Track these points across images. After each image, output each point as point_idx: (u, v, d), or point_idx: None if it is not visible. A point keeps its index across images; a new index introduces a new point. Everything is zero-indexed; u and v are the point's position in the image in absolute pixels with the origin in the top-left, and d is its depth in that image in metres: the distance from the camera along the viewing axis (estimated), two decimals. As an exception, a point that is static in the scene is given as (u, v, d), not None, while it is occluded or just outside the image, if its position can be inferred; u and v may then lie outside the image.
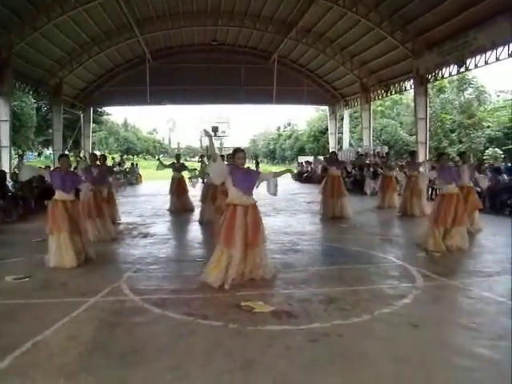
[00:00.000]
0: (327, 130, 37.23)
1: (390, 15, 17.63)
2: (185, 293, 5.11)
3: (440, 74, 17.52)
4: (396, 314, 4.46)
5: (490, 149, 27.08)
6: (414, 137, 34.30)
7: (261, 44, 25.35)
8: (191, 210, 12.55)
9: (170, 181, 12.92)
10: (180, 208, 12.60)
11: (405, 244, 8.30)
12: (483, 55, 14.69)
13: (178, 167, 12.75)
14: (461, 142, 31.73)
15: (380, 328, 4.13)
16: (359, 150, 22.75)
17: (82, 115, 26.00)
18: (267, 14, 21.38)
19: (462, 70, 16.17)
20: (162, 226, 10.32)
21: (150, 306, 4.63)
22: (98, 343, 3.77)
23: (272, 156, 62.07)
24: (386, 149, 23.63)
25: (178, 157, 13.47)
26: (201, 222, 10.37)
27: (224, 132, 34.24)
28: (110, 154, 46.82)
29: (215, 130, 33.56)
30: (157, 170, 12.78)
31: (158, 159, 13.36)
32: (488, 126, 29.58)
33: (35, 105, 31.92)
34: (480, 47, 14.49)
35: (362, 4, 17.69)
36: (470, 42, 14.79)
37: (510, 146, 26.49)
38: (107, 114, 43.07)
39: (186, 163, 13.70)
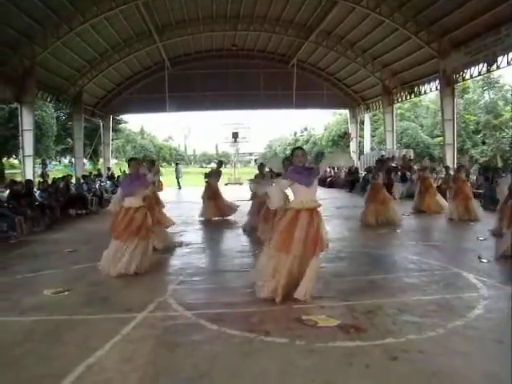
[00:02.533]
0: (346, 133, 36.90)
1: (415, 15, 17.26)
2: (238, 306, 4.77)
3: (468, 74, 17.03)
4: (471, 326, 4.11)
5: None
6: (436, 139, 34.17)
7: (280, 48, 25.15)
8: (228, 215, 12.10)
9: (205, 186, 12.32)
10: (216, 214, 12.06)
11: (453, 250, 7.90)
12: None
13: (218, 173, 12.43)
14: (484, 143, 31.06)
15: (459, 343, 3.77)
16: (383, 153, 22.27)
17: (101, 123, 25.99)
18: (287, 18, 21.16)
19: (493, 68, 15.67)
20: (194, 235, 10.02)
21: (205, 321, 4.30)
22: (159, 366, 3.45)
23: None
24: (411, 152, 23.13)
25: (220, 163, 13.16)
26: (244, 230, 9.97)
27: (244, 138, 33.91)
28: (126, 162, 47.01)
29: (235, 135, 33.24)
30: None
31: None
32: (515, 126, 28.90)
33: (55, 114, 32.07)
34: (514, 43, 14.03)
35: (385, 5, 17.34)
36: (503, 38, 14.33)
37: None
38: (124, 122, 43.18)
39: (202, 170, 13.34)
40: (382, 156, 21.20)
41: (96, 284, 5.78)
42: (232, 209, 12.11)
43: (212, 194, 12.06)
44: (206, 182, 12.31)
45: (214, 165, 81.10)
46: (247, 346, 3.74)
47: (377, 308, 4.61)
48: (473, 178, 15.41)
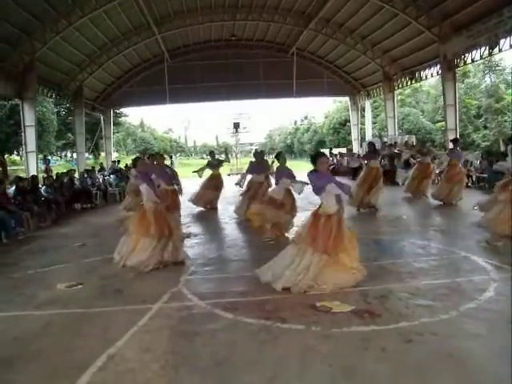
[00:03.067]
0: (347, 121, 36.83)
1: (415, 0, 17.11)
2: (252, 295, 4.82)
3: (470, 58, 16.93)
4: (483, 309, 4.17)
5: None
6: (437, 124, 34.08)
7: (279, 37, 24.98)
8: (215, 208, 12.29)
9: (209, 177, 12.42)
10: (207, 203, 12.23)
11: (459, 234, 7.95)
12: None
13: (216, 164, 12.47)
14: (486, 127, 30.96)
15: (472, 325, 3.83)
16: (385, 139, 22.21)
17: (102, 117, 25.92)
18: (286, 6, 20.99)
19: (495, 51, 15.58)
20: (200, 225, 10.08)
21: (220, 310, 4.36)
22: (178, 355, 3.52)
23: (290, 150, 61.59)
24: (413, 138, 23.08)
25: (212, 154, 13.16)
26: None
27: (245, 128, 33.85)
28: (127, 155, 47.00)
29: (237, 126, 33.14)
30: (200, 176, 12.29)
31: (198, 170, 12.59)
32: (516, 110, 28.79)
33: (55, 109, 32.04)
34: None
35: (385, -10, 17.21)
36: (505, 20, 14.19)
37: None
38: (125, 116, 43.12)
39: (203, 161, 13.31)
40: (384, 143, 21.14)
41: (108, 277, 5.83)
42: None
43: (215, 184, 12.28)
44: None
45: (217, 156, 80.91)
46: (264, 334, 3.79)
47: (388, 293, 4.67)
48: (476, 162, 15.35)
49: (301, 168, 12.87)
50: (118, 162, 21.23)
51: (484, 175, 13.86)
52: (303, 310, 4.28)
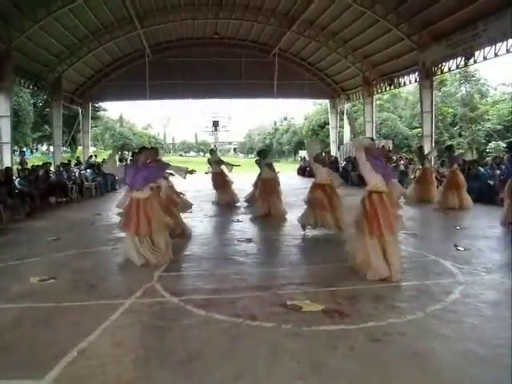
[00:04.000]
0: (326, 123, 37.14)
1: (396, 7, 17.39)
2: (225, 292, 4.88)
3: (447, 67, 17.33)
4: (449, 310, 4.32)
5: (493, 142, 27.02)
6: (414, 130, 34.68)
7: (261, 37, 25.04)
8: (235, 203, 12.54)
9: (212, 176, 12.93)
10: (227, 201, 12.52)
11: (430, 238, 8.17)
12: (493, 47, 14.51)
13: (216, 161, 12.74)
14: (461, 135, 31.69)
15: (438, 325, 3.97)
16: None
17: (80, 110, 25.53)
18: (269, 7, 21.07)
19: (471, 62, 15.98)
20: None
21: (193, 307, 4.40)
22: (150, 350, 3.54)
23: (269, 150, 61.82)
24: (390, 143, 23.48)
25: (212, 152, 13.34)
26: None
27: (225, 127, 33.84)
28: (105, 149, 46.42)
29: (216, 124, 33.11)
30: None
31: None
32: (488, 119, 29.54)
33: (32, 100, 31.41)
34: (490, 39, 14.32)
35: (367, -4, 17.45)
36: (480, 33, 14.60)
37: (511, 139, 26.42)
38: (103, 110, 42.54)
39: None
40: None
41: (81, 271, 5.81)
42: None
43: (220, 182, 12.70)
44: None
45: (193, 153, 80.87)
46: (235, 330, 3.85)
47: (358, 294, 4.78)
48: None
49: (280, 168, 13.01)
50: (95, 156, 20.98)
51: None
52: (274, 308, 4.36)
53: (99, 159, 19.44)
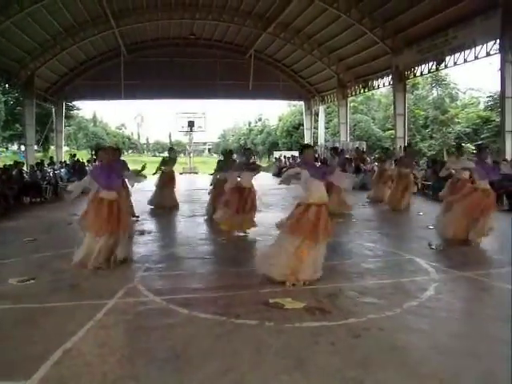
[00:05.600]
0: (300, 125, 37.50)
1: (371, 12, 17.81)
2: (207, 292, 4.95)
3: (419, 71, 17.80)
4: (424, 306, 4.49)
5: (463, 144, 27.75)
6: (387, 132, 35.33)
7: (237, 39, 25.19)
8: (175, 206, 11.95)
9: (160, 175, 11.92)
10: (166, 203, 11.76)
11: (405, 237, 8.40)
12: (462, 53, 15.02)
13: (172, 161, 12.13)
14: (432, 137, 32.47)
15: (414, 320, 4.13)
16: (337, 145, 22.86)
17: (53, 109, 25.11)
18: (246, 9, 21.25)
19: (441, 67, 16.48)
20: (154, 223, 10.07)
21: (176, 306, 4.45)
22: (135, 349, 3.58)
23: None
24: (364, 144, 23.90)
25: (171, 150, 12.85)
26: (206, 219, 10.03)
27: (200, 127, 33.70)
28: (78, 149, 45.67)
29: (191, 124, 32.98)
30: (154, 174, 11.90)
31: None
32: (458, 122, 30.38)
33: (3, 98, 30.62)
34: (460, 45, 14.82)
35: (343, 0, 17.77)
36: (450, 40, 15.10)
37: (479, 142, 27.21)
38: (77, 109, 41.82)
39: (156, 158, 12.94)
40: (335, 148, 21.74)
41: (61, 272, 5.76)
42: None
43: (166, 182, 11.88)
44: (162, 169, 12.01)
45: (167, 154, 79.74)
46: (219, 328, 3.92)
47: (338, 291, 4.92)
48: (421, 170, 16.13)
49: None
50: (74, 155, 20.59)
51: (429, 183, 14.60)
52: (256, 306, 4.45)
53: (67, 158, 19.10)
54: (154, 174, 11.70)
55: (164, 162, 12.04)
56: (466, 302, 4.68)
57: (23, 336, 3.79)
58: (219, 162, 10.15)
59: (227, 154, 10.32)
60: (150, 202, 11.83)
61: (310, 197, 5.23)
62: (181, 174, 29.26)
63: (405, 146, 14.22)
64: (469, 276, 5.58)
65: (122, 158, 10.09)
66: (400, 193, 11.66)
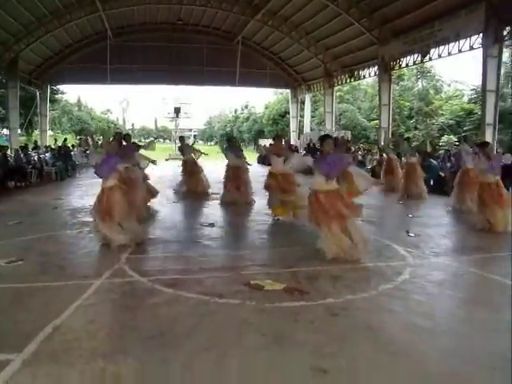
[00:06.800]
0: (286, 113, 37.61)
1: (358, 2, 17.91)
2: (191, 273, 5.11)
3: (404, 62, 18.02)
4: (398, 289, 4.72)
5: (446, 136, 28.23)
6: (372, 122, 35.66)
7: (225, 25, 25.09)
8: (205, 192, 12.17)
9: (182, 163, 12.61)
10: (193, 189, 12.18)
11: (385, 225, 8.70)
12: (447, 46, 15.24)
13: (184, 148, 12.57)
14: (416, 128, 32.86)
15: (388, 302, 4.37)
16: (322, 133, 23.05)
17: (38, 93, 24.80)
18: (234, -5, 21.16)
19: (426, 59, 16.70)
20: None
21: (161, 286, 4.61)
22: (123, 325, 3.73)
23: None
24: (349, 133, 24.13)
25: (181, 139, 13.27)
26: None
27: (186, 113, 33.64)
28: (62, 133, 45.11)
29: (178, 111, 32.89)
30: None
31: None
32: (442, 114, 30.78)
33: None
34: (445, 38, 15.03)
35: (331, -11, 17.85)
36: (435, 32, 15.31)
37: (462, 134, 27.68)
38: (62, 93, 41.27)
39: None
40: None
41: (48, 254, 5.88)
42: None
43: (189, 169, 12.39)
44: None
45: (152, 139, 79.52)
46: (203, 307, 4.10)
47: (317, 274, 5.12)
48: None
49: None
50: (66, 139, 20.37)
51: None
52: (239, 286, 4.63)
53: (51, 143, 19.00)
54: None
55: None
56: (439, 285, 4.91)
57: (13, 314, 3.91)
58: (225, 147, 10.97)
59: (232, 139, 11.64)
60: (178, 187, 12.42)
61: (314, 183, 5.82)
62: (166, 160, 29.21)
63: (407, 137, 14.61)
64: (443, 262, 5.85)
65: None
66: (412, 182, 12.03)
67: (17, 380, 2.86)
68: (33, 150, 16.96)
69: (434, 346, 3.42)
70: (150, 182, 10.23)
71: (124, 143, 8.90)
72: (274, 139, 9.60)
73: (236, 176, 10.46)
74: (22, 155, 14.30)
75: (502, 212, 7.55)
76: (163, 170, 12.75)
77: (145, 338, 3.49)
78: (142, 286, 4.67)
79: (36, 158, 15.30)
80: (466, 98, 32.28)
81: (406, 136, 17.59)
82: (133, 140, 10.37)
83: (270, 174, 8.71)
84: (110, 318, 3.95)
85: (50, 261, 5.56)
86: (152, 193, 9.89)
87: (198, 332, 3.60)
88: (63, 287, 4.64)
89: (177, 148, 12.44)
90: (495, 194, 7.63)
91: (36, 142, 21.02)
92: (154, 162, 8.57)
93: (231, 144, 11.03)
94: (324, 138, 5.94)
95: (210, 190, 12.30)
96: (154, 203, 10.22)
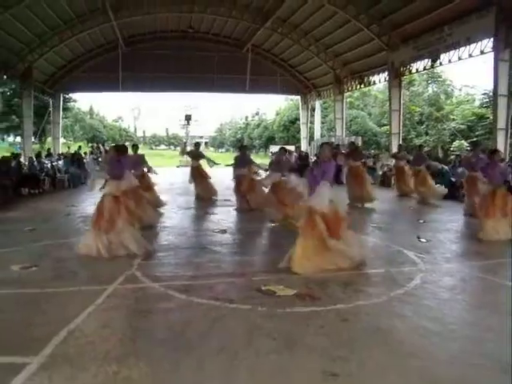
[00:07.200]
0: (297, 119, 37.64)
1: (367, 8, 17.90)
2: (203, 279, 5.17)
3: (414, 68, 17.98)
4: (410, 294, 4.74)
5: (457, 141, 28.05)
6: (383, 128, 35.54)
7: (235, 33, 25.19)
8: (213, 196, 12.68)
9: (190, 169, 13.02)
10: (202, 195, 12.62)
11: (395, 231, 8.66)
12: (457, 51, 15.18)
13: (196, 155, 12.87)
14: (427, 133, 32.69)
15: (399, 307, 4.38)
16: (333, 140, 23.09)
17: (51, 101, 25.12)
18: (244, 2, 21.28)
19: (437, 64, 16.65)
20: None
21: (174, 292, 4.67)
22: (136, 330, 3.80)
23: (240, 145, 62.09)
24: (359, 139, 24.09)
25: (197, 145, 13.60)
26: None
27: (197, 120, 33.92)
28: (75, 141, 45.66)
29: (189, 118, 33.11)
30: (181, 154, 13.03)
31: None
32: (453, 119, 30.60)
33: (0, 90, 30.61)
34: (455, 43, 14.98)
35: (340, -4, 17.91)
36: (445, 37, 15.26)
37: (474, 139, 27.48)
38: (74, 101, 41.80)
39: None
40: (332, 143, 21.96)
41: (62, 260, 5.97)
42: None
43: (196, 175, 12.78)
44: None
45: (164, 147, 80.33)
46: (215, 312, 4.15)
47: (328, 280, 5.14)
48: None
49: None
50: (80, 147, 20.66)
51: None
52: (249, 292, 4.68)
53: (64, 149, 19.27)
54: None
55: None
56: (450, 290, 4.90)
57: (28, 318, 3.99)
58: (236, 157, 11.09)
59: (243, 148, 11.79)
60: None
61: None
62: (177, 167, 29.42)
63: (419, 145, 14.73)
64: (454, 267, 5.85)
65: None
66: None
67: (34, 383, 2.92)
68: (46, 157, 17.18)
69: (444, 350, 3.43)
70: (156, 191, 10.60)
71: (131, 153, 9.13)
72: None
73: (245, 184, 10.52)
74: (35, 163, 14.51)
75: (505, 220, 7.50)
76: (174, 177, 12.84)
77: (157, 342, 3.55)
78: (154, 292, 4.74)
79: (49, 166, 15.51)
80: (477, 103, 32.04)
81: (418, 144, 17.64)
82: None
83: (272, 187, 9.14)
84: (123, 323, 4.01)
85: (64, 267, 5.65)
86: (156, 204, 10.12)
87: (209, 336, 3.65)
88: (77, 292, 4.71)
89: (186, 151, 12.70)
90: (501, 203, 7.59)
91: (49, 149, 21.26)
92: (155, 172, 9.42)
93: (242, 153, 11.14)
94: (321, 146, 5.99)
95: (216, 197, 12.62)
96: (165, 210, 10.39)
